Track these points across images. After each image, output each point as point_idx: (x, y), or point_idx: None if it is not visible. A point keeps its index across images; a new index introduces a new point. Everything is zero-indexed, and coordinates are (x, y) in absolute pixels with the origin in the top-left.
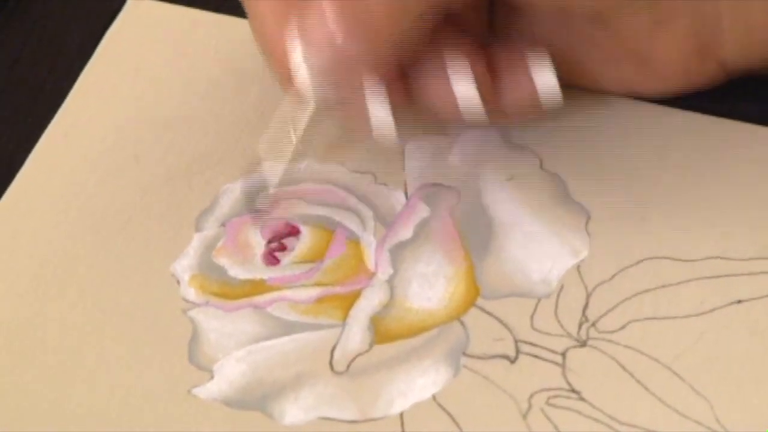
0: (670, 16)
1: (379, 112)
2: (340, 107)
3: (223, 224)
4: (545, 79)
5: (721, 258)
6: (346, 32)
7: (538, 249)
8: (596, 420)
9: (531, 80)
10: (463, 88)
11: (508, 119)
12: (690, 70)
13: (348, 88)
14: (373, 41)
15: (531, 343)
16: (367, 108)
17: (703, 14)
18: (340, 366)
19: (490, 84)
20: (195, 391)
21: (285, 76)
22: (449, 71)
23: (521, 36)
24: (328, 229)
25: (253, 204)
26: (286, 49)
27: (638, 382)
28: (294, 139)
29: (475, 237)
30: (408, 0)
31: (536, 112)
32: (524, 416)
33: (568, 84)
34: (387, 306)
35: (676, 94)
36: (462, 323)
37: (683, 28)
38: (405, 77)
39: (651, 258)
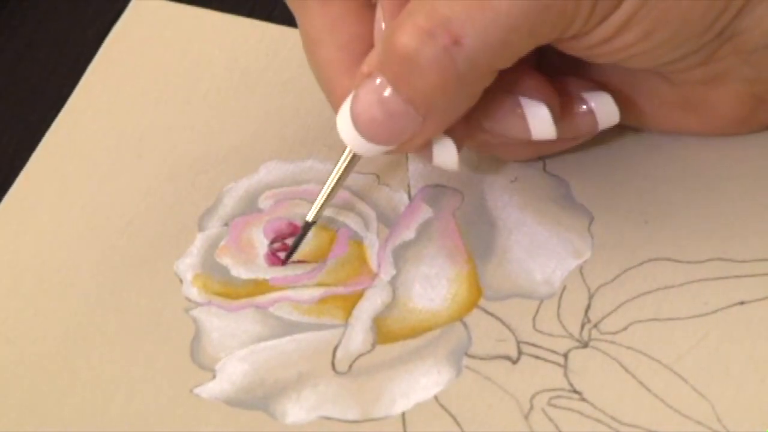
0: (723, 71)
1: (443, 155)
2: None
3: (226, 224)
4: (603, 102)
5: (724, 259)
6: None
7: (541, 250)
8: (598, 420)
9: (589, 105)
10: (537, 112)
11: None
12: (745, 119)
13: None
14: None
15: (533, 344)
16: (432, 150)
17: (757, 69)
18: (342, 366)
19: (559, 112)
20: (197, 390)
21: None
22: (522, 98)
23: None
24: (330, 229)
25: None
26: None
27: (640, 383)
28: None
29: (477, 238)
30: (467, 75)
31: (591, 135)
32: (526, 417)
33: (623, 123)
34: (389, 307)
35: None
36: (464, 324)
37: (738, 82)
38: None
39: (653, 259)
